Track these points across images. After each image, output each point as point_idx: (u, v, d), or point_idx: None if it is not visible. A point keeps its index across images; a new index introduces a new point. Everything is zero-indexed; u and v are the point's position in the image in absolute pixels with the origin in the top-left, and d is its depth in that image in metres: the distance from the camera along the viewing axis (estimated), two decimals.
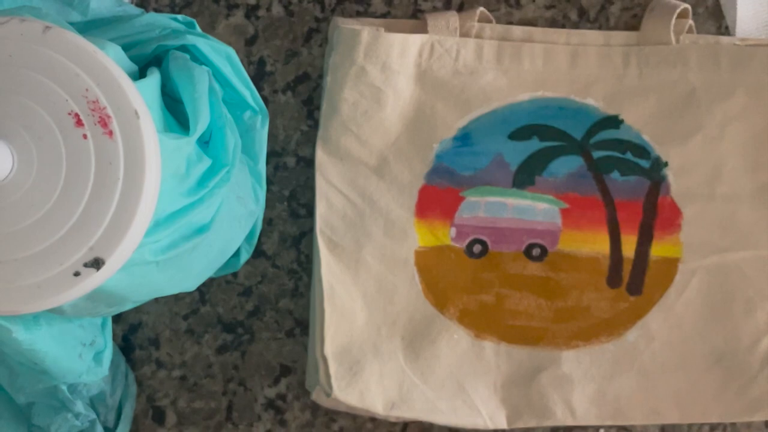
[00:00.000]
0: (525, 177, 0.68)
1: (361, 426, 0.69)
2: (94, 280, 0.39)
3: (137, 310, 0.68)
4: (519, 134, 0.68)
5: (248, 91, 0.56)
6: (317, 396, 0.66)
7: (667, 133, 0.68)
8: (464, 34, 0.68)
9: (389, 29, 0.67)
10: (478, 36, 0.68)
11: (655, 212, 0.68)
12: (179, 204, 0.46)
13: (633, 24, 0.71)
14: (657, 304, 0.67)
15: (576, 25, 0.71)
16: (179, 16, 0.55)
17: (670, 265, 0.68)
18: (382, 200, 0.67)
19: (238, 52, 0.55)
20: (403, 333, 0.67)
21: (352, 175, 0.67)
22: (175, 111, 0.51)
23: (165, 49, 0.52)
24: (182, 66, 0.50)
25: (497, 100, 0.68)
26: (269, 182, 0.69)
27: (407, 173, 0.67)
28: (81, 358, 0.54)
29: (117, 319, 0.69)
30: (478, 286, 0.66)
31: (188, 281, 0.54)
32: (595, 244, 0.68)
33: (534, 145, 0.68)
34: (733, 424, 0.69)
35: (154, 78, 0.48)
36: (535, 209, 0.68)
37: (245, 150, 0.57)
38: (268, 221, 0.69)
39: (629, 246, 0.68)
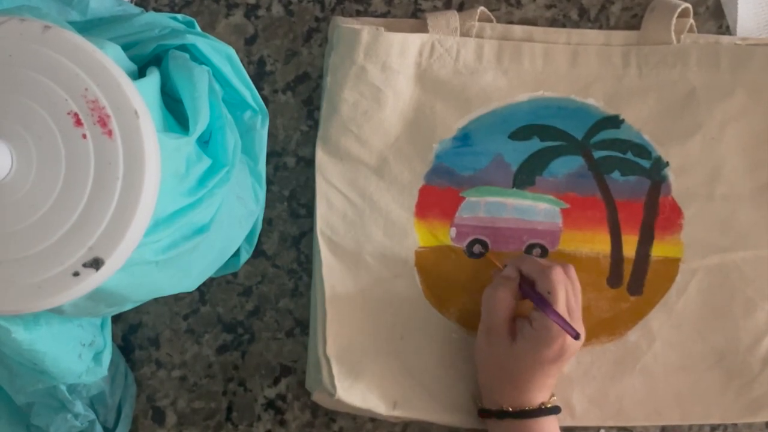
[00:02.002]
0: (525, 177, 0.68)
1: (361, 426, 0.69)
2: (93, 280, 0.39)
3: (137, 310, 0.68)
4: (519, 134, 0.68)
5: (248, 91, 0.56)
6: (319, 397, 0.66)
7: (667, 133, 0.68)
8: (464, 33, 0.68)
9: (389, 29, 0.67)
10: (479, 35, 0.68)
11: (656, 212, 0.68)
12: (179, 204, 0.46)
13: (633, 24, 0.71)
14: (658, 304, 0.67)
15: (576, 25, 0.71)
16: (179, 16, 0.55)
17: (671, 265, 0.68)
18: (382, 200, 0.67)
19: (238, 52, 0.55)
20: (404, 332, 0.67)
21: (352, 175, 0.67)
22: (175, 111, 0.51)
23: (165, 49, 0.52)
24: (182, 65, 0.50)
25: (497, 100, 0.68)
26: (269, 182, 0.68)
27: (407, 173, 0.67)
28: (80, 358, 0.53)
29: (117, 319, 0.68)
30: (478, 286, 0.65)
31: (188, 281, 0.54)
32: (595, 244, 0.68)
33: (534, 145, 0.68)
34: (734, 425, 0.69)
35: (153, 77, 0.48)
36: (536, 209, 0.68)
37: (245, 150, 0.57)
38: (268, 221, 0.69)
39: (630, 246, 0.68)
